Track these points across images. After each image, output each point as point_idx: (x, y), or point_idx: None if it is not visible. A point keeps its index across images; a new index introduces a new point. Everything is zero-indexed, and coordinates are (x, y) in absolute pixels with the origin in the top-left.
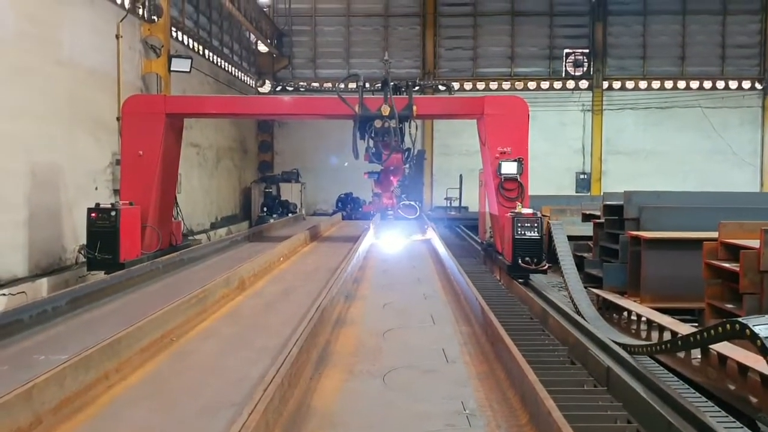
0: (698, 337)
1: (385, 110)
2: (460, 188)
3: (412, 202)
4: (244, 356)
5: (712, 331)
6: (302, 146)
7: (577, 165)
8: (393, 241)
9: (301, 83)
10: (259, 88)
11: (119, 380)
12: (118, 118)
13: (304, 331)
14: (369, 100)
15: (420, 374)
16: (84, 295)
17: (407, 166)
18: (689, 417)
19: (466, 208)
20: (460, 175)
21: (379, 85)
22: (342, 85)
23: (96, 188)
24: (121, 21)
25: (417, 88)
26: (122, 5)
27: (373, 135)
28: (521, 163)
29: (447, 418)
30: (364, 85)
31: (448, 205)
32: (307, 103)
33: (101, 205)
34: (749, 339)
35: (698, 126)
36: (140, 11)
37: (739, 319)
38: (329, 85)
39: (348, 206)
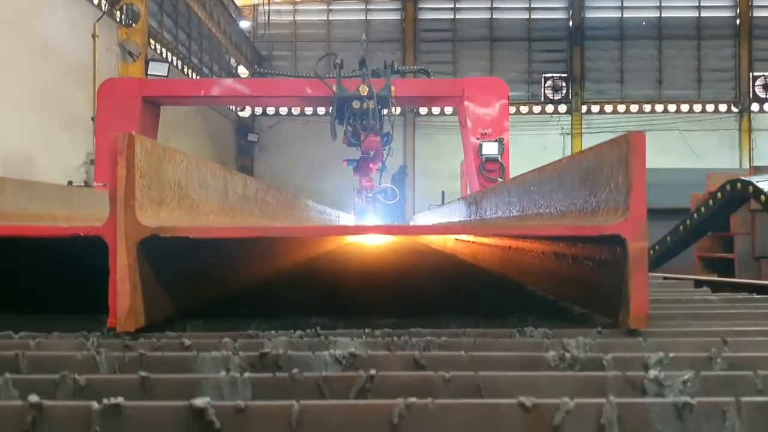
0: (707, 206)
1: (364, 90)
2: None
3: (393, 187)
4: None
5: (719, 195)
6: (280, 170)
7: None
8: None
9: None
10: (239, 112)
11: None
12: (92, 118)
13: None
14: (347, 82)
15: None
16: None
17: (386, 149)
18: None
19: None
20: (443, 192)
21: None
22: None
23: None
24: (98, 21)
25: (396, 72)
26: (99, 6)
27: (351, 120)
28: (502, 143)
29: None
30: (342, 65)
31: None
32: (284, 84)
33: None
34: (753, 195)
35: (677, 148)
36: (118, 15)
37: (742, 178)
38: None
39: None
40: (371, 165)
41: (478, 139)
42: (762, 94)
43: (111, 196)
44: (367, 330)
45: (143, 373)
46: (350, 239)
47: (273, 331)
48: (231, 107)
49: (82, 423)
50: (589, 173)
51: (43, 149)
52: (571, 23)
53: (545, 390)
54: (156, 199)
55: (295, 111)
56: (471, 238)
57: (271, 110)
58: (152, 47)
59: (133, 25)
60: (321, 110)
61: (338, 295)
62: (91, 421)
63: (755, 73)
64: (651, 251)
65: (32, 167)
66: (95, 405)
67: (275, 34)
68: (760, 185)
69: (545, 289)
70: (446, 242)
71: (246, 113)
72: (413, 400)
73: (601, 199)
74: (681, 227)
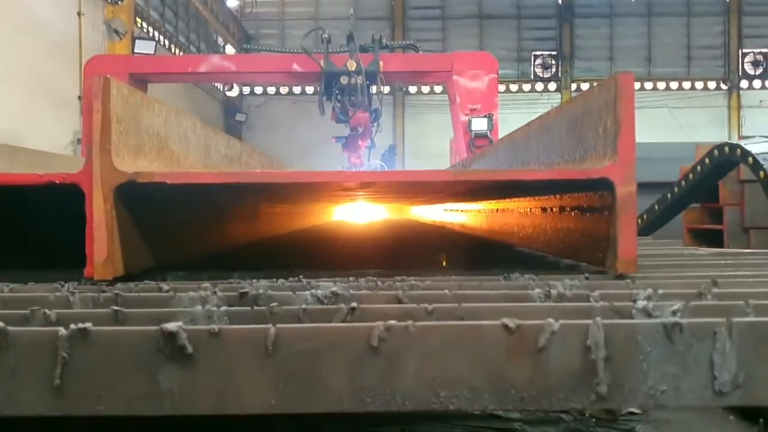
0: (695, 172)
1: (351, 65)
2: None
3: (382, 164)
4: None
5: (707, 160)
6: (269, 149)
7: None
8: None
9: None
10: (227, 92)
11: None
12: (79, 97)
13: None
14: (335, 57)
15: None
16: None
17: (375, 125)
18: None
19: None
20: None
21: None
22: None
23: None
24: None
25: (384, 47)
26: None
27: (339, 96)
28: (491, 119)
29: None
30: (330, 39)
31: None
32: (272, 60)
33: None
34: (741, 159)
35: (666, 126)
36: None
37: (729, 141)
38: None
39: None
40: (360, 142)
41: (467, 114)
42: (751, 71)
43: (87, 142)
44: (351, 278)
45: (116, 307)
46: (337, 215)
47: (255, 280)
48: (219, 87)
49: (49, 348)
50: (578, 120)
51: (29, 128)
52: (560, 0)
53: (531, 319)
54: (133, 146)
55: (283, 90)
56: (460, 206)
57: (258, 89)
58: (139, 26)
59: (119, 2)
60: (309, 89)
61: (324, 257)
62: (58, 346)
63: (744, 50)
64: (639, 220)
65: (18, 146)
66: (62, 331)
67: (262, 13)
68: (747, 147)
69: (533, 246)
70: (435, 215)
71: (234, 93)
72: (393, 322)
73: (589, 146)
74: (669, 195)
